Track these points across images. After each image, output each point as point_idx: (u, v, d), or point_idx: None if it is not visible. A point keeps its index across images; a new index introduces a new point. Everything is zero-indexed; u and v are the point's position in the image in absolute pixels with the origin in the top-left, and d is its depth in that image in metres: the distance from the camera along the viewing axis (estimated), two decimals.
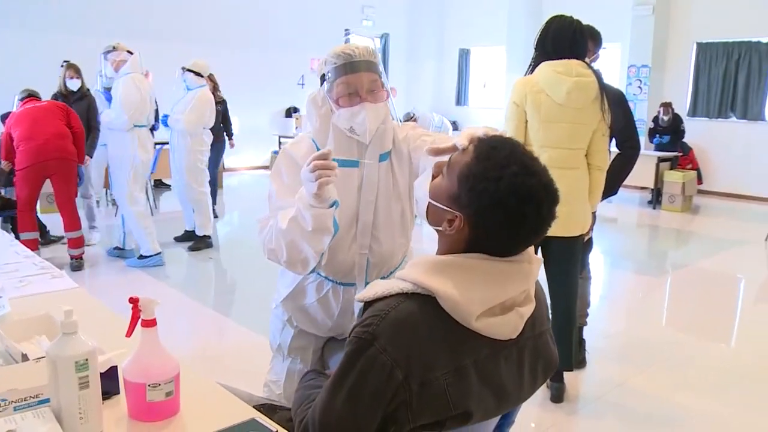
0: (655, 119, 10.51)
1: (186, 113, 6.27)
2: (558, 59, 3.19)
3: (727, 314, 5.22)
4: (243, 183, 11.43)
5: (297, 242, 1.79)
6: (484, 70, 14.58)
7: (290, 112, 13.03)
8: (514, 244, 1.24)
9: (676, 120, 10.39)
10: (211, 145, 6.82)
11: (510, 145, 1.23)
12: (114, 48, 5.75)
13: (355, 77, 1.89)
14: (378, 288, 1.25)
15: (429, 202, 1.32)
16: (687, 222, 9.08)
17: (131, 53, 5.74)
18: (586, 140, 3.25)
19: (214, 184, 7.37)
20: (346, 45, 1.93)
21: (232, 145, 7.87)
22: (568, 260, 3.37)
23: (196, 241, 6.64)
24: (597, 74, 3.21)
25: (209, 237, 6.70)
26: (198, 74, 6.38)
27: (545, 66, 3.21)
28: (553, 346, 1.41)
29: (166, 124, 6.48)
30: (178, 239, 6.88)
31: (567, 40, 3.20)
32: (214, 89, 7.17)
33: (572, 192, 3.20)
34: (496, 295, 1.22)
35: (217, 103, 6.85)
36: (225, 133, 7.73)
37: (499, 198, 1.17)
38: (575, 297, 3.46)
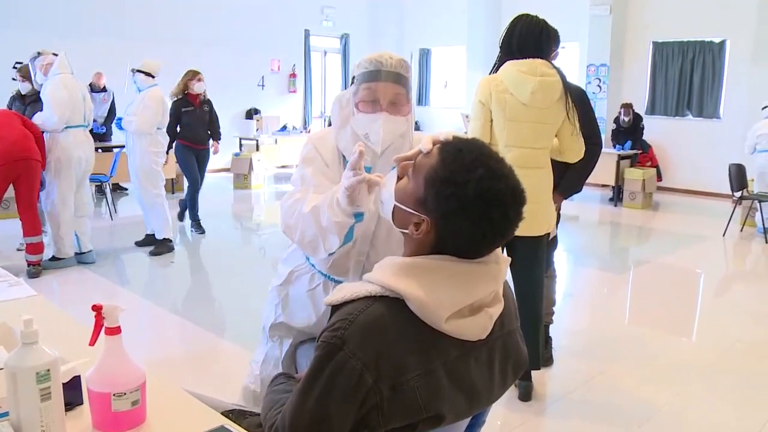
0: (617, 120, 10.67)
1: (138, 114, 6.20)
2: (523, 59, 3.21)
3: (688, 309, 5.32)
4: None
5: (312, 230, 1.80)
6: (444, 70, 14.66)
7: (251, 113, 12.93)
8: (480, 247, 1.25)
9: (636, 119, 10.57)
10: (198, 149, 6.98)
11: (476, 148, 1.24)
12: (39, 54, 5.74)
13: (380, 86, 1.89)
14: (346, 291, 1.25)
15: (395, 205, 1.31)
16: (648, 219, 9.24)
17: (56, 55, 5.71)
18: (550, 139, 3.28)
19: (196, 190, 7.49)
20: (381, 53, 1.94)
21: (215, 151, 7.50)
22: (533, 259, 3.39)
23: (157, 246, 6.55)
24: (561, 74, 3.23)
25: (170, 240, 6.61)
26: (149, 74, 6.31)
27: (509, 65, 3.22)
28: (522, 345, 1.43)
29: (120, 127, 6.40)
30: (139, 244, 6.77)
31: (533, 39, 3.22)
32: (184, 92, 7.10)
33: (536, 191, 3.22)
34: (465, 297, 1.23)
35: (203, 103, 7.12)
36: (210, 137, 7.40)
37: (466, 202, 1.18)
38: (541, 296, 3.48)
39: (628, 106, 10.49)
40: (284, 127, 12.83)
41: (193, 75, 7.09)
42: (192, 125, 7.02)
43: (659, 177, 10.86)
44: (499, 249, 1.31)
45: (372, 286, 1.23)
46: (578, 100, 3.43)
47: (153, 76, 6.33)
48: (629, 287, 6.00)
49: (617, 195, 10.17)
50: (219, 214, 8.94)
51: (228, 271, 6.08)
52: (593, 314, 5.12)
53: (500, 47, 3.33)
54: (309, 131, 13.00)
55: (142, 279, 5.85)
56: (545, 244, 3.42)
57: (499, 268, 1.29)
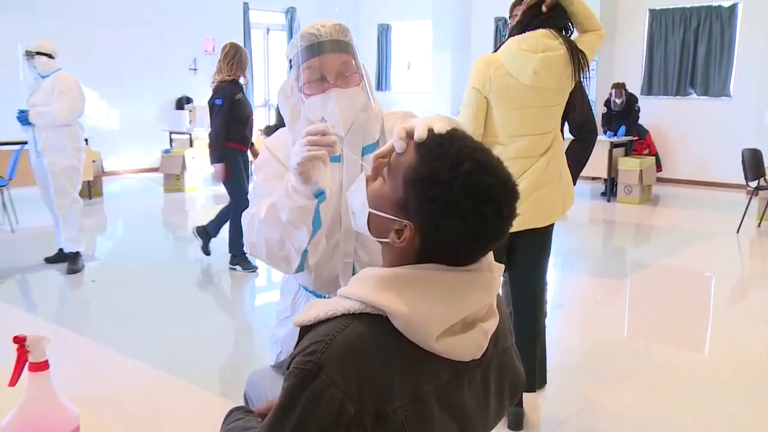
0: (607, 102, 10.76)
1: (55, 101, 6.08)
2: (524, 32, 3.24)
3: (698, 317, 5.42)
4: (127, 189, 11.20)
5: (275, 234, 1.83)
6: (407, 49, 14.71)
7: (182, 102, 12.82)
8: (473, 251, 1.27)
9: (630, 100, 10.68)
10: (245, 153, 6.40)
11: (458, 139, 1.26)
12: None
13: (322, 60, 1.93)
14: (318, 309, 1.25)
15: (370, 212, 1.34)
16: (647, 215, 9.41)
17: None
18: (557, 121, 3.34)
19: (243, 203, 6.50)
20: (311, 25, 1.98)
21: (254, 154, 6.74)
22: (536, 258, 3.43)
23: (70, 262, 6.44)
24: (569, 43, 3.25)
25: (79, 254, 6.51)
26: (50, 56, 6.18)
27: (511, 43, 3.26)
28: (519, 364, 1.46)
29: (25, 122, 6.20)
30: (50, 260, 6.64)
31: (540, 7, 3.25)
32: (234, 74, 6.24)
33: (543, 176, 3.26)
34: (457, 311, 1.25)
35: (237, 93, 6.23)
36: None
37: (454, 202, 1.20)
38: (543, 303, 3.50)
39: (620, 87, 10.61)
40: None
41: (243, 54, 6.30)
42: (241, 120, 6.31)
43: (659, 167, 11.04)
44: (491, 255, 1.34)
45: (350, 303, 1.24)
46: None
47: (53, 57, 6.21)
48: (627, 294, 6.08)
49: (610, 189, 10.32)
50: (147, 222, 8.87)
51: (161, 290, 6.02)
52: (588, 326, 5.18)
53: (509, 17, 3.43)
54: (255, 124, 12.90)
55: (56, 303, 5.76)
56: (550, 238, 3.46)
57: (492, 277, 1.31)
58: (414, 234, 1.26)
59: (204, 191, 11.03)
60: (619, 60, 11.95)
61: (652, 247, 7.85)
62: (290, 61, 2.01)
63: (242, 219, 1.97)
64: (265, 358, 2.37)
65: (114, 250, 7.53)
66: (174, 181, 10.84)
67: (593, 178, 10.97)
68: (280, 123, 9.60)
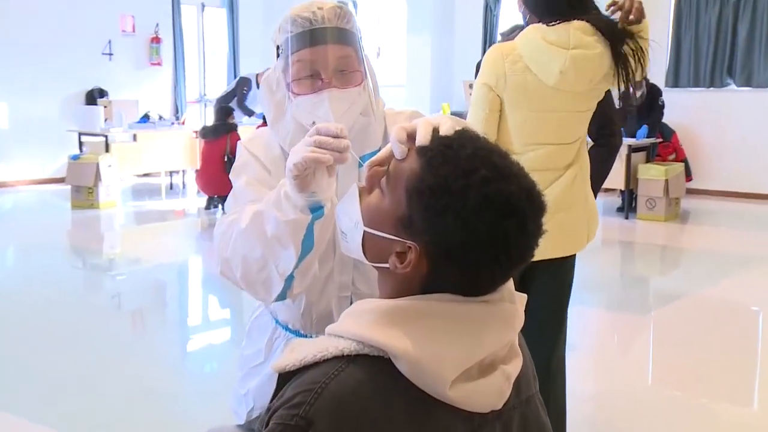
0: (624, 96, 10.66)
1: None
2: (555, 21, 3.20)
3: (742, 361, 5.40)
4: (22, 205, 11.17)
5: (257, 251, 1.82)
6: (376, 32, 14.75)
7: (93, 96, 12.74)
8: (491, 278, 1.29)
9: (653, 93, 10.67)
10: None
11: (469, 140, 1.29)
12: None
13: (316, 53, 1.94)
14: (304, 351, 1.26)
15: (365, 232, 1.36)
16: (674, 235, 9.50)
17: None
18: (584, 128, 3.35)
19: None
20: (306, 4, 1.98)
21: None
22: (554, 297, 3.45)
23: None
24: (612, 40, 3.19)
25: None
26: None
27: (532, 31, 3.24)
28: (545, 416, 1.48)
29: None
30: None
31: None
32: None
33: (567, 195, 3.26)
34: (474, 351, 1.26)
35: None
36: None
37: (468, 216, 1.21)
38: (563, 345, 3.54)
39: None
40: (146, 117, 12.68)
41: None
42: None
43: (688, 175, 11.10)
44: (511, 283, 1.36)
45: (343, 342, 1.25)
46: None
47: None
48: (652, 333, 6.09)
49: (629, 203, 10.37)
50: (49, 248, 8.75)
51: (70, 336, 5.91)
52: (605, 373, 5.17)
53: (524, 3, 3.36)
54: (183, 123, 12.91)
55: None
56: (572, 269, 3.49)
57: (514, 309, 1.33)
58: (420, 257, 1.27)
59: (123, 208, 10.96)
60: None
61: (681, 274, 7.89)
62: (278, 48, 2.02)
63: (216, 228, 1.97)
64: (225, 417, 2.35)
65: (4, 284, 7.41)
66: (85, 195, 10.73)
67: (607, 190, 10.93)
68: (221, 124, 9.69)
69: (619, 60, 3.18)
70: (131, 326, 6.28)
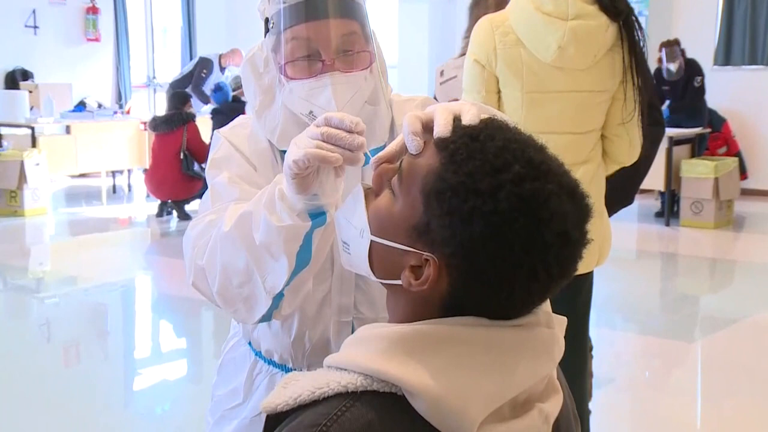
0: (657, 72, 10.80)
1: None
2: None
3: None
4: None
5: (241, 259, 1.81)
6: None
7: (15, 79, 12.72)
8: (526, 297, 1.30)
9: (691, 69, 10.76)
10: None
11: (499, 130, 1.30)
12: None
13: (316, 28, 1.93)
14: (299, 388, 1.28)
15: (372, 242, 1.38)
16: (726, 245, 9.56)
17: None
18: (599, 116, 3.37)
19: None
20: None
21: None
22: (574, 315, 3.38)
23: None
24: (614, 8, 3.26)
25: None
26: None
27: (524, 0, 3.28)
28: None
29: None
30: None
31: None
32: None
33: None
34: (506, 386, 1.27)
35: None
36: None
37: (499, 222, 1.22)
38: (587, 378, 3.57)
39: (672, 44, 10.69)
40: (81, 105, 12.70)
41: None
42: None
43: (743, 173, 11.18)
44: (548, 304, 1.38)
45: (347, 376, 1.26)
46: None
47: None
48: (699, 365, 6.11)
49: (670, 206, 10.41)
50: None
51: None
52: (642, 413, 5.17)
53: None
54: (128, 112, 12.90)
55: None
56: (590, 288, 3.54)
57: (552, 335, 1.35)
58: (439, 272, 1.28)
59: (55, 216, 10.97)
60: (682, 14, 12.08)
61: (735, 293, 7.90)
62: (267, 21, 2.02)
63: (189, 230, 1.96)
64: None
65: None
66: (7, 200, 10.75)
67: (643, 191, 10.87)
68: (176, 114, 10.00)
69: (628, 31, 3.27)
70: (64, 360, 6.23)
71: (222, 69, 12.97)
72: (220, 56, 12.77)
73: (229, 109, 10.42)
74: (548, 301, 1.36)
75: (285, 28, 1.94)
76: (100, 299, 7.61)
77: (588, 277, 3.50)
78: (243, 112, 10.51)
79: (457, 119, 1.32)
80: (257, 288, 1.81)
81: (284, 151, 1.88)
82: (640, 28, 3.35)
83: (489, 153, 1.25)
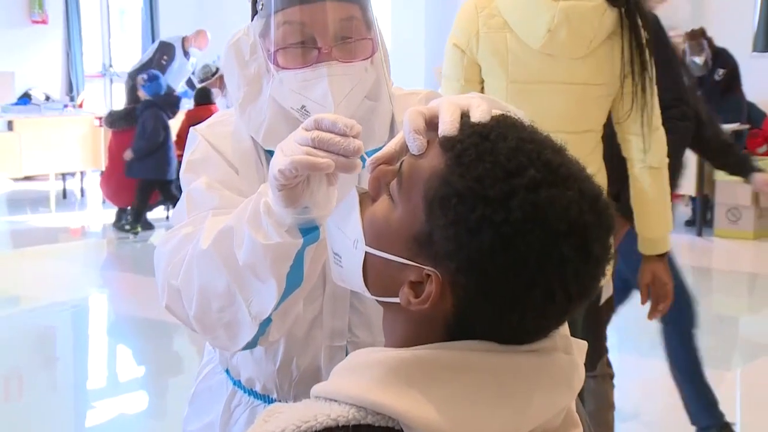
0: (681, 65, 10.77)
1: None
2: None
3: None
4: None
5: (220, 280, 1.80)
6: None
7: None
8: (541, 319, 1.30)
9: (723, 60, 10.83)
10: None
11: (512, 129, 1.30)
12: None
13: (313, 11, 1.94)
14: (284, 420, 1.29)
15: (367, 254, 1.39)
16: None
17: None
18: (598, 114, 3.39)
19: None
20: None
21: None
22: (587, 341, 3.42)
23: None
24: None
25: None
26: None
27: None
28: None
29: None
30: None
31: None
32: None
33: None
34: (519, 420, 1.28)
35: None
36: None
37: (511, 233, 1.22)
38: (609, 413, 3.65)
39: (696, 36, 10.76)
40: (26, 98, 12.72)
41: None
42: None
43: None
44: (566, 327, 1.38)
45: (337, 407, 1.27)
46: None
47: None
48: (738, 397, 6.10)
49: (702, 214, 10.46)
50: None
51: None
52: None
53: None
54: (81, 105, 12.90)
55: None
56: (601, 315, 3.60)
57: (572, 362, 1.36)
58: (443, 289, 1.28)
59: None
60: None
61: None
62: (255, 1, 2.04)
63: (161, 245, 1.97)
64: None
65: None
66: None
67: (674, 196, 10.91)
68: (133, 109, 10.26)
69: (630, 18, 3.30)
70: (4, 393, 6.24)
71: (186, 54, 12.99)
72: (183, 39, 12.78)
73: (163, 103, 10.48)
74: (566, 324, 1.37)
75: (276, 11, 1.95)
76: (47, 322, 7.60)
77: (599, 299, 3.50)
78: (176, 109, 10.67)
79: (465, 116, 1.32)
80: (241, 313, 1.80)
81: (270, 151, 1.94)
82: (644, 15, 3.37)
83: (501, 154, 1.25)
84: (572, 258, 1.23)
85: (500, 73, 3.31)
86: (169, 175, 10.11)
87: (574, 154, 3.30)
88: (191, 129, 2.16)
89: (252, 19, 2.07)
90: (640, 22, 3.31)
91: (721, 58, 10.80)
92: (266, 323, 1.83)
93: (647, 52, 3.35)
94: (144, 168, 10.10)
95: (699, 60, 10.61)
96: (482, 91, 3.34)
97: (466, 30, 3.34)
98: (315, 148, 1.57)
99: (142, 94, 10.53)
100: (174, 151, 10.07)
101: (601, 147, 3.43)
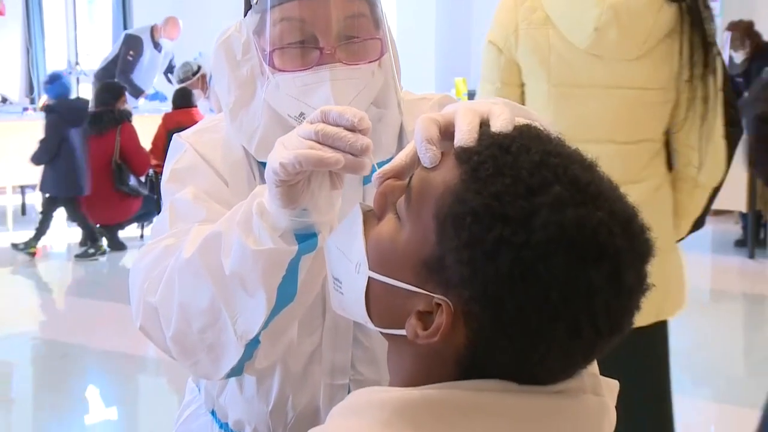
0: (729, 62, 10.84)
1: None
2: None
3: None
4: None
5: (204, 294, 1.80)
6: None
7: None
8: (566, 356, 1.31)
9: (763, 58, 10.79)
10: None
11: (536, 140, 1.32)
12: None
13: (315, 7, 1.95)
14: None
15: (370, 279, 1.40)
16: None
17: None
18: (655, 122, 3.38)
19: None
20: None
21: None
22: (646, 376, 3.55)
23: None
24: None
25: None
26: None
27: None
28: None
29: None
30: None
31: None
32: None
33: None
34: None
35: None
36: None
37: (533, 258, 1.22)
38: None
39: (746, 27, 10.84)
40: None
41: None
42: None
43: None
44: (595, 365, 1.40)
45: None
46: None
47: None
48: None
49: (754, 233, 10.44)
50: None
51: None
52: None
53: None
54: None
55: None
56: (665, 339, 3.64)
57: (601, 404, 1.37)
58: (455, 321, 1.28)
59: None
60: None
61: None
62: None
63: (138, 260, 1.97)
64: None
65: None
66: None
67: (718, 213, 10.80)
68: (106, 112, 10.55)
69: (692, 14, 3.29)
70: None
71: (157, 46, 12.95)
72: (153, 29, 12.78)
73: (66, 108, 10.45)
74: (595, 363, 1.38)
75: (273, 5, 1.96)
76: (2, 356, 7.64)
77: (657, 330, 3.58)
78: (81, 121, 10.67)
79: (484, 124, 1.33)
80: (225, 332, 1.80)
81: (263, 163, 1.89)
82: (707, 7, 3.36)
83: (522, 169, 1.25)
84: (602, 287, 1.23)
85: (541, 75, 3.32)
86: (69, 193, 10.18)
87: (628, 167, 3.26)
88: (175, 136, 2.16)
89: (245, 14, 2.07)
90: (704, 17, 3.29)
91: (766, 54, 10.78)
92: (253, 345, 1.82)
93: (713, 52, 3.33)
94: (47, 183, 10.30)
95: (741, 54, 10.68)
96: (521, 96, 3.36)
97: (504, 25, 3.36)
98: (320, 142, 1.56)
99: (45, 98, 10.55)
100: (84, 169, 10.07)
101: (664, 157, 3.42)
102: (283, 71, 1.99)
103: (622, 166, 3.30)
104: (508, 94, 3.32)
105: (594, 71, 3.30)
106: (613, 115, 3.33)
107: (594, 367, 1.39)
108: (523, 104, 3.33)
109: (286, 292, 1.77)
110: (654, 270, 3.45)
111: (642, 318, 3.49)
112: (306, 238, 1.71)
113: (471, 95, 10.02)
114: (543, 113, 3.12)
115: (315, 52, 1.96)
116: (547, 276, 1.21)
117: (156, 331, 1.89)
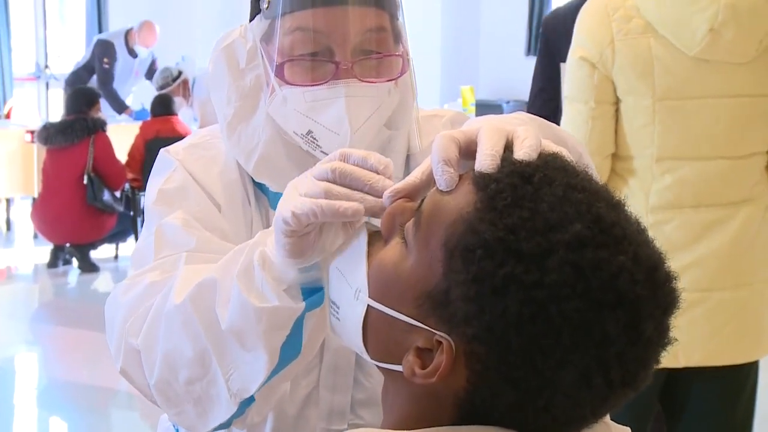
0: None
1: None
2: None
3: None
4: None
5: (197, 344, 1.78)
6: None
7: None
8: (575, 408, 1.30)
9: None
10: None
11: (562, 172, 1.32)
12: None
13: (331, 17, 1.95)
14: None
15: (369, 307, 1.41)
16: None
17: None
18: (764, 132, 3.36)
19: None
20: None
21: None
22: (723, 421, 3.51)
23: None
24: None
25: None
26: None
27: None
28: None
29: None
30: None
31: None
32: None
33: (742, 260, 3.24)
34: None
35: None
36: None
37: (545, 299, 1.22)
38: None
39: None
40: None
41: None
42: None
43: None
44: (608, 419, 1.41)
45: None
46: None
47: None
48: None
49: None
50: None
51: None
52: None
53: None
54: (9, 116, 12.95)
55: None
56: (754, 389, 3.57)
57: None
58: (456, 361, 1.29)
59: None
60: None
61: None
62: (259, 1, 2.06)
63: (116, 294, 1.96)
64: None
65: None
66: None
67: None
68: (78, 121, 10.66)
69: None
70: None
71: (132, 52, 12.92)
72: (127, 34, 12.75)
73: None
74: (608, 417, 1.39)
75: (285, 12, 1.96)
76: None
77: (751, 369, 3.50)
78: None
79: (508, 147, 1.34)
80: (216, 388, 1.78)
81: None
82: None
83: (543, 202, 1.25)
84: (617, 337, 1.23)
85: (644, 90, 3.29)
86: None
87: (739, 184, 3.30)
88: (163, 151, 2.15)
89: (251, 19, 2.08)
90: None
91: None
92: (247, 403, 1.80)
93: None
94: None
95: None
96: (616, 114, 3.34)
97: (596, 38, 3.33)
98: (336, 182, 1.53)
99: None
100: None
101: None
102: (293, 84, 1.99)
103: (735, 183, 3.30)
104: (602, 113, 3.33)
105: (705, 79, 3.28)
106: (723, 128, 3.30)
107: (607, 420, 1.39)
108: (619, 123, 3.34)
109: (289, 351, 1.75)
110: (747, 299, 3.47)
111: (742, 354, 3.50)
112: (312, 292, 1.69)
113: (479, 105, 10.00)
114: (647, 132, 3.28)
115: (329, 65, 1.97)
116: (557, 319, 1.22)
117: (138, 376, 1.89)
